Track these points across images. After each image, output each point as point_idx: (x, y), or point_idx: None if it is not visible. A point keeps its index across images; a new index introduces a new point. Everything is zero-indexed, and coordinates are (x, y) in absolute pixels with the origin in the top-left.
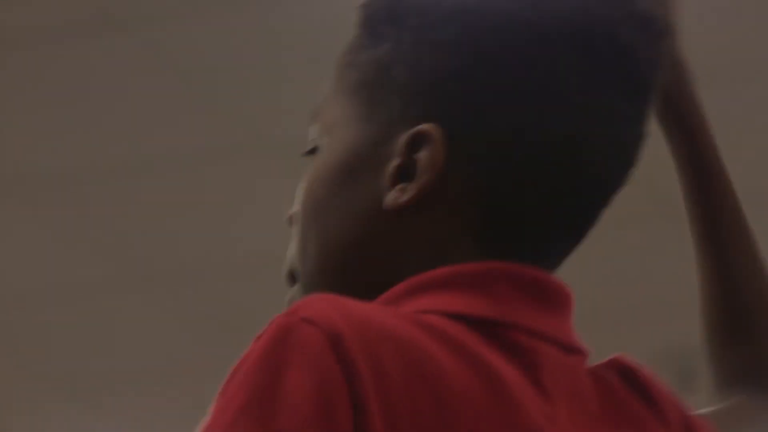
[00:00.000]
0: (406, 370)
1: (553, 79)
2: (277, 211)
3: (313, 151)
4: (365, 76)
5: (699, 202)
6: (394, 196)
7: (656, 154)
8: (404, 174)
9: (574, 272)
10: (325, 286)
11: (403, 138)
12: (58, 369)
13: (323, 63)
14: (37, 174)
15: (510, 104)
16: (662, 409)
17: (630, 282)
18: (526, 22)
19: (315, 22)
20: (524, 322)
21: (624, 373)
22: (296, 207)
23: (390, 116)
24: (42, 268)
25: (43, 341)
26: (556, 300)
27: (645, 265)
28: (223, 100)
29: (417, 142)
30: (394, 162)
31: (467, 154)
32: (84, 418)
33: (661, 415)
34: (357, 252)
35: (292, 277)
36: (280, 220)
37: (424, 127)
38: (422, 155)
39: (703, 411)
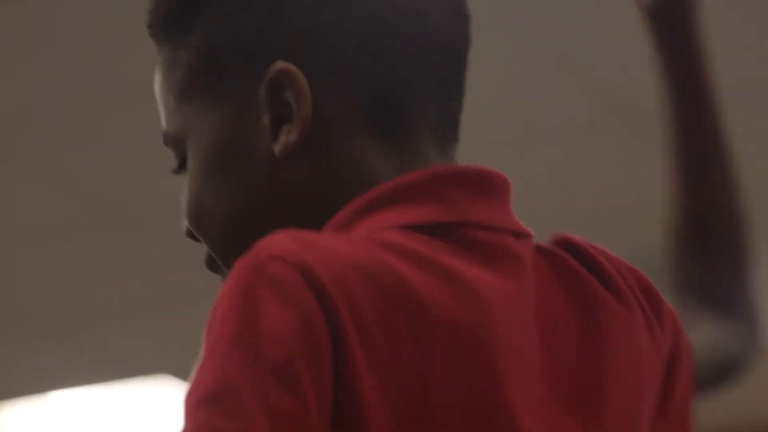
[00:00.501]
0: (376, 295)
1: None
2: None
3: (182, 165)
4: (192, 68)
5: (686, 118)
6: (283, 141)
7: (632, 74)
8: (280, 122)
9: (545, 182)
10: None
11: (261, 92)
12: (27, 308)
13: None
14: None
15: (339, 8)
16: (619, 288)
17: (598, 190)
18: None
19: None
20: (478, 218)
21: (575, 252)
22: (188, 219)
23: (236, 86)
24: (7, 209)
25: (11, 281)
26: (498, 190)
27: (612, 175)
28: None
29: (276, 86)
30: (265, 117)
31: (325, 72)
32: (56, 355)
33: (620, 295)
34: (275, 214)
35: (217, 266)
36: None
37: (273, 68)
38: (288, 93)
39: None
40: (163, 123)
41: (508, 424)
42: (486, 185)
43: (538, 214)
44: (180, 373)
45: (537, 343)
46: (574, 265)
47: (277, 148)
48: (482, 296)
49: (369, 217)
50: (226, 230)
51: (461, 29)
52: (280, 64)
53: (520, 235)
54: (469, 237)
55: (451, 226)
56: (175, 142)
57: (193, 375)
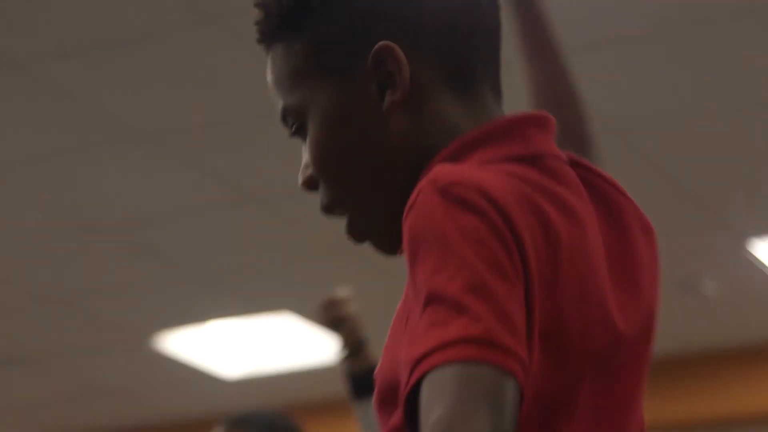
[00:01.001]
0: (525, 214)
1: None
2: None
3: (297, 131)
4: (307, 54)
5: (528, 22)
6: (389, 100)
7: None
8: (383, 88)
9: None
10: (387, 197)
11: (368, 65)
12: (189, 262)
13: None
14: (159, 127)
15: (420, 2)
16: (617, 185)
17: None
18: None
19: None
20: (550, 150)
21: (580, 165)
22: (316, 168)
23: (345, 64)
24: (173, 195)
25: (182, 249)
26: (552, 129)
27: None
28: None
29: (379, 60)
30: (372, 85)
31: (414, 48)
32: (207, 294)
33: (620, 189)
34: (388, 155)
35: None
36: None
37: (378, 46)
38: (390, 64)
39: None
40: (281, 101)
41: (605, 308)
42: (547, 125)
43: None
44: (299, 310)
45: (602, 246)
46: (594, 179)
47: (384, 106)
48: (579, 217)
49: (474, 152)
50: (352, 169)
51: (497, 12)
52: (383, 43)
53: (567, 161)
54: (547, 165)
55: (535, 157)
56: (295, 113)
57: (424, 278)
